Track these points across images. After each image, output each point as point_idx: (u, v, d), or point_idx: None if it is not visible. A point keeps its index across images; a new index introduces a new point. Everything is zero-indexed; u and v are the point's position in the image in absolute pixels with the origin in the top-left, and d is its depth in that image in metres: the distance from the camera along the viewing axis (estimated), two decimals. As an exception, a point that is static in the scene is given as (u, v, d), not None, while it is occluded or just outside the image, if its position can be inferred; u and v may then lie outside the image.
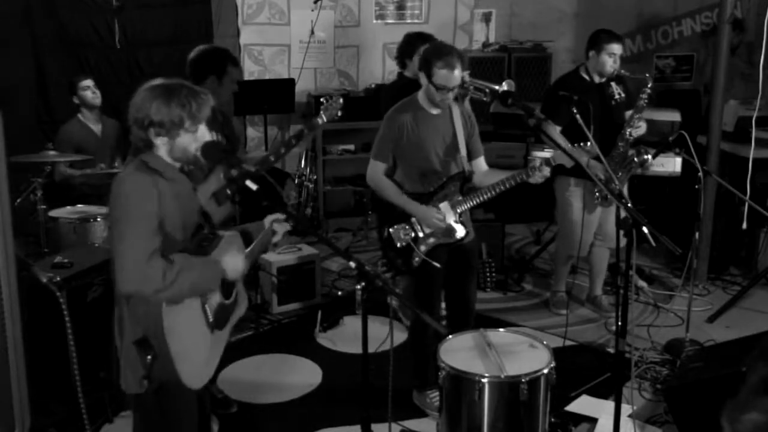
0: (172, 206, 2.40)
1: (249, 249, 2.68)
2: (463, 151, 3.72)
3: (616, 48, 4.56)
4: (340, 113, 3.72)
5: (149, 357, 2.33)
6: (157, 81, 2.44)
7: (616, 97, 4.68)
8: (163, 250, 2.34)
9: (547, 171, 3.53)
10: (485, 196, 3.67)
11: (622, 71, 4.61)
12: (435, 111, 3.69)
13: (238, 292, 2.70)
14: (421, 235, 3.71)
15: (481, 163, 3.83)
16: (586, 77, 4.67)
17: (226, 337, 2.63)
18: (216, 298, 2.54)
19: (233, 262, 2.53)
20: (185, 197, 2.50)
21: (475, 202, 3.71)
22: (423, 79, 3.63)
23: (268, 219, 2.78)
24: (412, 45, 4.61)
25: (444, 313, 4.05)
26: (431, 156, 3.69)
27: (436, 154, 3.70)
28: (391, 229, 3.71)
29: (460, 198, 3.71)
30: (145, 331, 2.35)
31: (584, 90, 4.52)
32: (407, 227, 3.71)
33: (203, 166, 2.96)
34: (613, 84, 4.68)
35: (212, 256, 2.49)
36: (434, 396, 3.71)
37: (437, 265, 3.66)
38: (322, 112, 3.71)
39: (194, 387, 2.43)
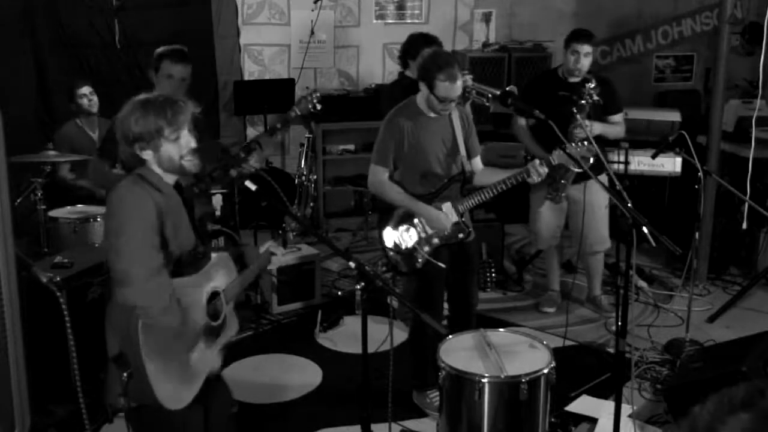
0: (167, 219, 2.42)
1: (242, 275, 2.71)
2: (463, 152, 3.72)
3: (579, 47, 4.53)
4: (318, 106, 3.71)
5: (125, 374, 2.31)
6: (139, 97, 2.47)
7: (586, 97, 4.54)
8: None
9: (544, 170, 3.53)
10: (486, 196, 3.67)
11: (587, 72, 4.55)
12: (434, 114, 3.68)
13: (228, 314, 2.66)
14: (423, 236, 3.70)
15: (477, 162, 3.84)
16: (561, 76, 4.68)
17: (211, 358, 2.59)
18: (200, 319, 2.52)
19: (209, 360, 2.54)
20: (177, 212, 2.52)
21: (476, 202, 3.71)
22: (423, 88, 3.61)
23: (265, 246, 2.84)
24: (415, 46, 4.63)
25: (447, 313, 4.05)
26: (432, 159, 3.69)
27: (437, 157, 3.70)
28: (394, 231, 3.71)
29: (462, 198, 3.72)
30: (123, 346, 2.33)
31: (552, 87, 4.55)
32: (410, 228, 3.71)
33: (203, 176, 3.01)
34: (588, 85, 4.42)
35: (198, 275, 2.50)
36: (434, 396, 3.71)
37: (442, 265, 3.65)
38: (295, 105, 3.73)
39: (173, 408, 2.38)
